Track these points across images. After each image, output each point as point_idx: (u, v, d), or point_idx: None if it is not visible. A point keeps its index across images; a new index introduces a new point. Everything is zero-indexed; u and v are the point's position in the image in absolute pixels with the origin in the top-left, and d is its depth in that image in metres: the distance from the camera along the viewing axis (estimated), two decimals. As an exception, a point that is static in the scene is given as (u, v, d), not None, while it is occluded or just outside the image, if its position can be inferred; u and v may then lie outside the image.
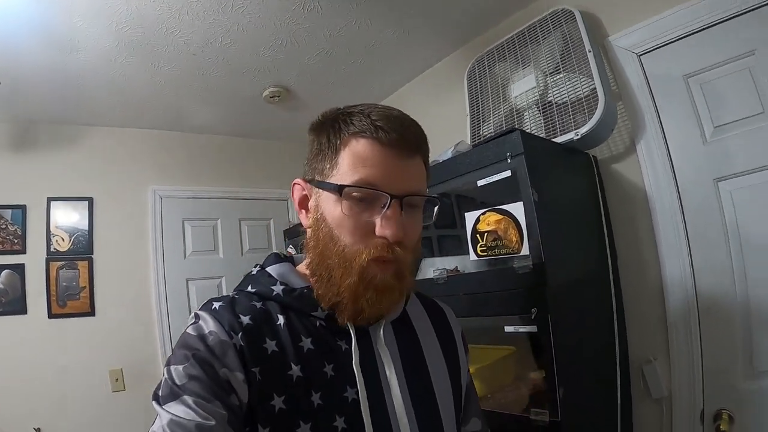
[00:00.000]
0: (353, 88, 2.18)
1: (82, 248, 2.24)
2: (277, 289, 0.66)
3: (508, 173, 1.16)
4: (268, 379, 0.59)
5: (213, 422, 0.53)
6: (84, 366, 2.10)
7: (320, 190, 0.64)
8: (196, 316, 0.63)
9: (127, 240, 2.33)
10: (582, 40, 1.39)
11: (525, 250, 1.12)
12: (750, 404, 1.17)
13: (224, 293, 2.22)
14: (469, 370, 0.82)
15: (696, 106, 1.28)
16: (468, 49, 1.88)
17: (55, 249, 2.18)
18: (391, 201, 0.60)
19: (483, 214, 1.21)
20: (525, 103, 1.49)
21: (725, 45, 1.23)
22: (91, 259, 2.25)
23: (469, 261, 1.28)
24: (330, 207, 0.63)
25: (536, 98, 1.46)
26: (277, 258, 0.72)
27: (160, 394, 0.57)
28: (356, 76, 2.08)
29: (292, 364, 0.61)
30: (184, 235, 2.43)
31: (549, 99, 1.44)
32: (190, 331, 0.61)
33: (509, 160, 1.16)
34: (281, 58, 1.85)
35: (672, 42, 1.31)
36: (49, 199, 2.20)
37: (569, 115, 1.38)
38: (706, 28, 1.25)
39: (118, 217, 2.33)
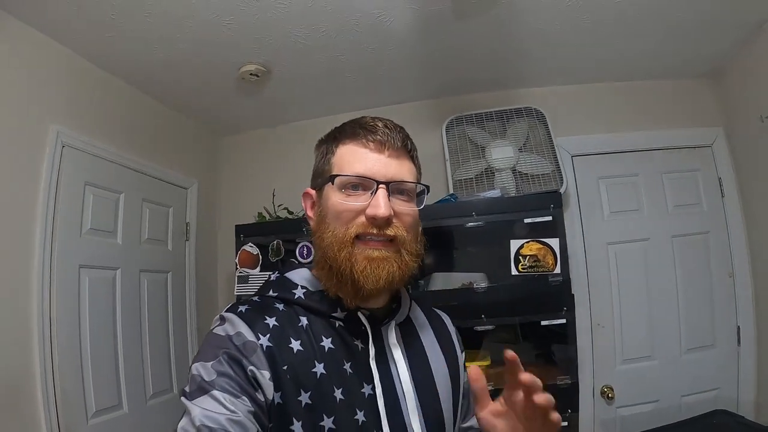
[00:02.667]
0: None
1: None
2: (299, 292, 0.81)
3: (549, 218, 1.91)
4: (295, 376, 0.70)
5: (241, 416, 0.63)
6: None
7: (322, 191, 0.82)
8: (222, 318, 0.76)
9: (8, 195, 1.71)
10: (549, 133, 2.30)
11: (557, 270, 1.87)
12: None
13: (119, 288, 2.07)
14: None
15: (601, 197, 2.38)
16: (443, 102, 2.56)
17: None
18: (377, 186, 0.76)
19: (527, 242, 1.90)
20: (502, 166, 2.26)
21: (623, 166, 2.39)
22: None
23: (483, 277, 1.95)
24: (328, 201, 0.79)
25: (512, 165, 2.26)
26: (295, 264, 0.88)
27: (187, 390, 0.67)
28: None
29: (316, 363, 0.73)
30: (84, 204, 1.97)
31: (518, 168, 2.27)
32: (217, 331, 0.73)
33: (551, 209, 1.91)
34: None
35: (593, 154, 2.40)
36: None
37: (536, 184, 2.24)
38: (614, 153, 2.40)
39: (5, 154, 1.70)
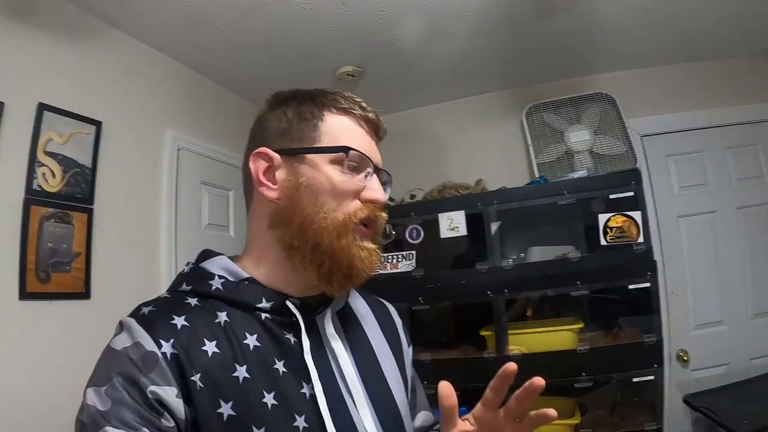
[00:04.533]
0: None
1: (80, 193, 1.84)
2: (216, 283, 0.70)
3: (631, 193, 2.22)
4: (211, 385, 0.61)
5: None
6: (69, 376, 1.38)
7: (298, 158, 0.72)
8: (121, 325, 0.65)
9: (140, 194, 2.11)
10: (620, 115, 2.61)
11: (640, 239, 2.19)
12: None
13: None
14: (412, 364, 0.96)
15: (670, 173, 2.70)
16: (521, 92, 2.87)
17: (40, 186, 1.70)
18: (373, 170, 0.74)
19: (613, 215, 2.22)
20: (580, 148, 2.58)
21: (689, 143, 2.71)
22: (91, 211, 1.87)
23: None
24: (315, 173, 0.71)
25: (589, 147, 2.59)
26: (210, 253, 0.77)
27: (83, 421, 0.58)
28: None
29: (237, 365, 0.64)
30: (201, 201, 2.35)
31: (594, 150, 2.60)
32: (113, 344, 0.63)
33: (633, 185, 2.23)
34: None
35: (661, 134, 2.73)
36: (42, 106, 1.72)
37: (611, 163, 2.56)
38: (680, 132, 2.72)
39: (131, 158, 2.07)
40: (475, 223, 2.29)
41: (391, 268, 2.34)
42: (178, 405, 0.59)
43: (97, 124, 1.94)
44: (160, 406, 0.58)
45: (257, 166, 0.73)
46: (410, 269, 2.31)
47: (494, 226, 2.27)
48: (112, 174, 1.99)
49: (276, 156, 0.73)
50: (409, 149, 2.94)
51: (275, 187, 0.72)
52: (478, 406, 0.68)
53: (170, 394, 0.59)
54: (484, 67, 2.66)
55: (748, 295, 2.70)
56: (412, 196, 2.67)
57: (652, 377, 2.12)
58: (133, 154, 2.11)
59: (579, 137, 2.54)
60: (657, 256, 2.61)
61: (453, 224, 2.28)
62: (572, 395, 2.25)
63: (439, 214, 2.32)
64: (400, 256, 2.34)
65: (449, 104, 2.98)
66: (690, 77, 2.85)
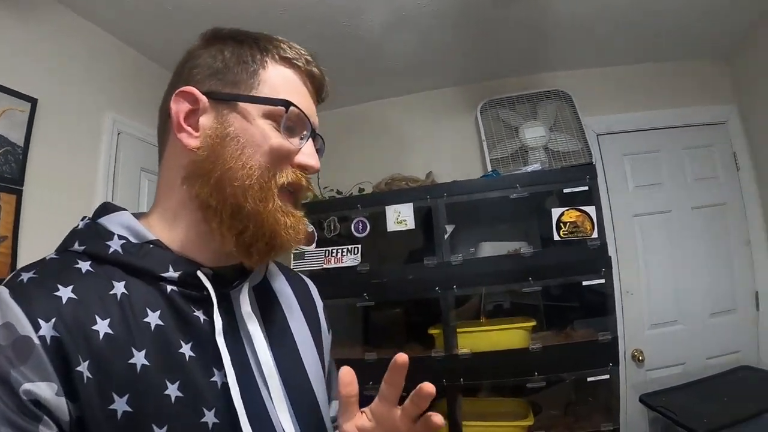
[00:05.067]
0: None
1: (10, 173, 1.75)
2: (115, 245, 0.60)
3: (586, 188, 2.21)
4: (102, 375, 0.51)
5: None
6: None
7: (233, 105, 0.64)
8: None
9: (75, 177, 2.00)
10: (577, 113, 2.62)
11: (595, 235, 2.18)
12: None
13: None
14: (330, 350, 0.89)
15: (626, 172, 2.71)
16: (477, 87, 2.85)
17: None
18: (313, 133, 0.68)
19: (567, 210, 2.20)
20: (534, 144, 2.58)
21: (645, 143, 2.72)
22: (20, 192, 1.78)
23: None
24: (246, 125, 0.63)
25: (544, 144, 2.58)
26: (111, 207, 0.66)
27: None
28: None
29: (134, 350, 0.54)
30: (139, 188, 2.25)
31: (549, 146, 2.59)
32: None
33: (587, 180, 2.23)
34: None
35: (618, 133, 2.74)
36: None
37: (566, 160, 2.56)
38: (637, 131, 2.73)
39: (67, 140, 1.98)
40: (424, 217, 2.25)
41: (335, 263, 2.28)
42: (59, 404, 0.49)
43: (33, 102, 1.84)
44: (38, 407, 0.48)
45: (179, 108, 0.64)
46: (355, 264, 2.24)
47: (449, 229, 2.23)
48: (46, 155, 1.88)
49: (203, 99, 0.64)
50: (360, 142, 2.91)
51: (197, 134, 0.63)
52: (376, 400, 0.62)
53: (49, 391, 0.48)
54: (441, 60, 2.63)
55: (704, 294, 2.73)
56: (361, 190, 2.62)
57: (607, 376, 2.10)
58: (70, 135, 2.01)
59: (534, 133, 2.54)
60: (611, 255, 2.63)
61: (400, 217, 2.23)
62: (525, 396, 2.23)
63: (386, 207, 2.26)
64: (345, 250, 2.28)
65: (403, 98, 2.95)
66: (648, 77, 2.88)
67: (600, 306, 2.18)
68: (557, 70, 2.84)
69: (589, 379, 2.09)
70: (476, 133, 2.70)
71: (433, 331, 2.22)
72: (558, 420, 2.22)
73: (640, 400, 2.19)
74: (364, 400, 0.63)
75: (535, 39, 2.52)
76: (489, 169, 2.53)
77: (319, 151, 0.73)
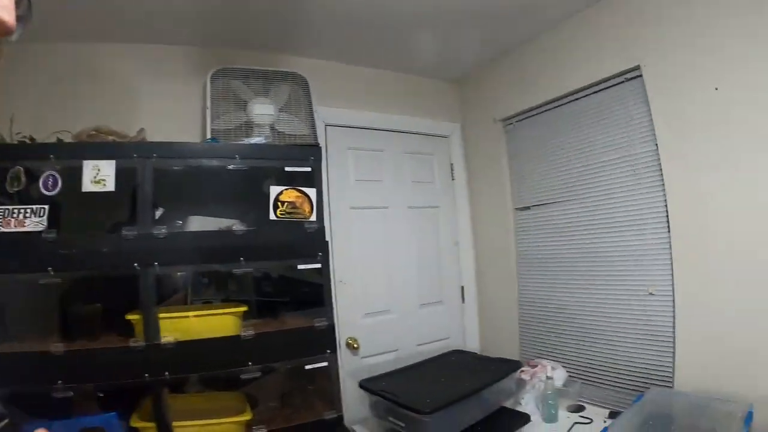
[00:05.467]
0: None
1: None
2: None
3: (309, 169, 2.19)
4: None
5: None
6: None
7: None
8: None
9: None
10: (310, 100, 2.62)
11: (313, 218, 2.17)
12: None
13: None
14: None
15: (348, 165, 2.80)
16: (209, 52, 2.65)
17: None
18: None
19: (286, 189, 2.15)
20: (261, 122, 2.47)
21: (372, 141, 2.86)
22: None
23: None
24: None
25: (271, 122, 2.51)
26: None
27: None
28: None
29: None
30: None
31: (276, 127, 2.53)
32: None
33: (311, 161, 2.21)
34: None
35: (346, 126, 2.82)
36: None
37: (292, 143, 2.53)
38: (365, 129, 2.85)
39: None
40: (126, 178, 1.92)
41: (15, 226, 1.82)
42: None
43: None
44: None
45: None
46: (40, 229, 1.81)
47: (158, 213, 1.99)
48: None
49: None
50: (74, 87, 2.42)
51: None
52: None
53: None
54: (179, 15, 2.35)
55: (414, 287, 2.96)
56: (60, 140, 2.15)
57: (325, 363, 2.07)
58: None
59: (263, 110, 2.45)
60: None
61: (99, 176, 1.86)
62: (240, 388, 2.07)
63: (84, 162, 1.88)
64: (28, 210, 1.84)
65: (130, 46, 2.55)
66: (385, 83, 3.07)
67: (316, 292, 2.16)
68: (300, 55, 2.82)
69: (307, 367, 2.05)
70: (202, 99, 2.51)
71: (131, 317, 1.89)
72: (278, 412, 2.12)
73: (360, 385, 2.19)
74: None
75: (284, 20, 2.46)
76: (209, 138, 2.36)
77: (22, 19, 0.56)
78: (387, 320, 2.83)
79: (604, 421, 2.17)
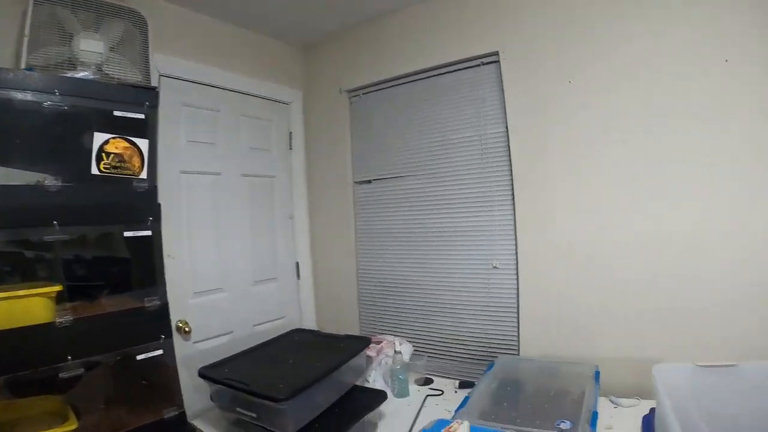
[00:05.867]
0: None
1: None
2: None
3: (142, 116, 1.84)
4: None
5: None
6: None
7: None
8: None
9: None
10: (147, 43, 2.20)
11: (144, 175, 1.83)
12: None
13: None
14: None
15: (180, 123, 2.44)
16: None
17: None
18: None
19: (114, 138, 1.77)
20: (88, 60, 2.03)
21: (209, 99, 2.57)
22: None
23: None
24: None
25: (99, 62, 2.07)
26: None
27: None
28: None
29: None
30: None
31: (104, 68, 2.10)
32: None
33: (146, 107, 1.85)
34: None
35: (183, 80, 2.46)
36: None
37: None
38: (203, 84, 2.55)
39: None
40: None
41: None
42: None
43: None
44: None
45: None
46: None
47: None
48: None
49: None
50: None
51: None
52: None
53: None
54: None
55: (248, 263, 2.72)
56: None
57: (160, 351, 1.79)
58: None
59: (91, 47, 2.00)
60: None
61: None
62: (59, 390, 1.61)
63: None
64: None
65: None
66: (229, 37, 2.77)
67: (145, 266, 1.85)
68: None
69: (139, 357, 1.74)
70: (20, 26, 1.97)
71: None
72: (108, 416, 1.72)
73: (200, 374, 1.86)
74: None
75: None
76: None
77: None
78: (219, 299, 2.54)
79: (455, 391, 2.24)
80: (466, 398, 1.85)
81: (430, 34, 2.63)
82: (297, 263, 2.99)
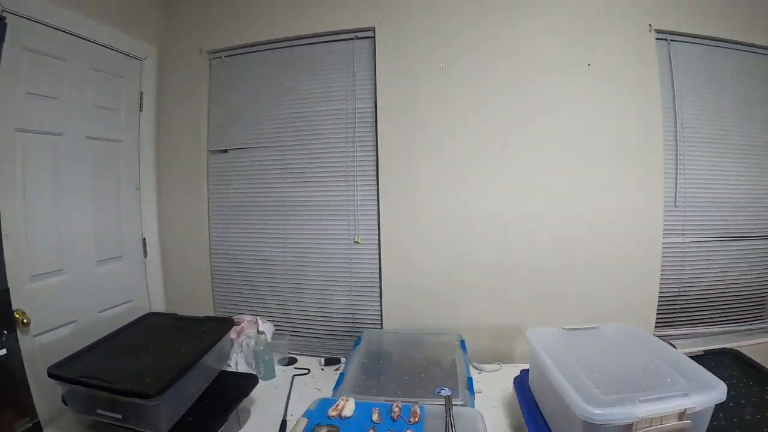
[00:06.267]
0: None
1: None
2: None
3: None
4: None
5: None
6: None
7: None
8: None
9: None
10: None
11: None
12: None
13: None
14: None
15: (20, 71, 1.98)
16: None
17: None
18: None
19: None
20: None
21: (56, 45, 2.14)
22: None
23: None
24: None
25: None
26: None
27: None
28: None
29: None
30: None
31: None
32: None
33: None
34: None
35: (34, 21, 2.01)
36: None
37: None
38: (52, 27, 2.09)
39: None
40: None
41: None
42: None
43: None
44: None
45: None
46: None
47: None
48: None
49: None
50: None
51: None
52: None
53: None
54: None
55: (91, 240, 2.37)
56: None
57: (3, 351, 1.53)
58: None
59: None
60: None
61: None
62: None
63: None
64: None
65: None
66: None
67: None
68: None
69: None
70: None
71: None
72: None
73: (50, 374, 1.53)
74: None
75: None
76: None
77: None
78: (59, 283, 2.16)
79: (322, 369, 2.28)
80: (342, 375, 1.89)
81: (304, 0, 2.55)
82: (144, 239, 2.69)
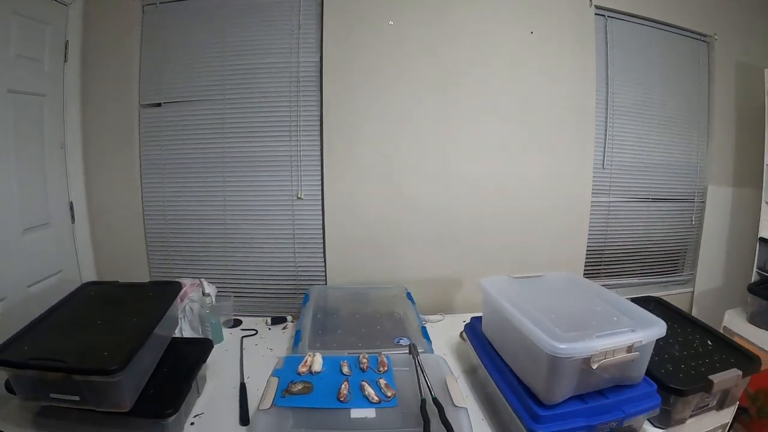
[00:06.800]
0: None
1: None
2: None
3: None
4: None
5: None
6: None
7: None
8: None
9: None
10: None
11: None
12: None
13: None
14: None
15: None
16: None
17: None
18: None
19: None
20: None
21: None
22: None
23: None
24: None
25: None
26: None
27: None
28: None
29: None
30: None
31: None
32: None
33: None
34: None
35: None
36: None
37: None
38: None
39: None
40: None
41: None
42: None
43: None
44: None
45: None
46: None
47: None
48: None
49: None
50: None
51: None
52: None
53: None
54: None
55: (15, 206, 2.15)
56: None
57: None
58: None
59: None
60: None
61: None
62: None
63: None
64: None
65: None
66: None
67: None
68: None
69: None
70: None
71: None
72: None
73: None
74: None
75: None
76: None
77: None
78: None
79: (269, 329, 2.28)
80: (299, 332, 1.92)
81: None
82: (71, 203, 2.49)
